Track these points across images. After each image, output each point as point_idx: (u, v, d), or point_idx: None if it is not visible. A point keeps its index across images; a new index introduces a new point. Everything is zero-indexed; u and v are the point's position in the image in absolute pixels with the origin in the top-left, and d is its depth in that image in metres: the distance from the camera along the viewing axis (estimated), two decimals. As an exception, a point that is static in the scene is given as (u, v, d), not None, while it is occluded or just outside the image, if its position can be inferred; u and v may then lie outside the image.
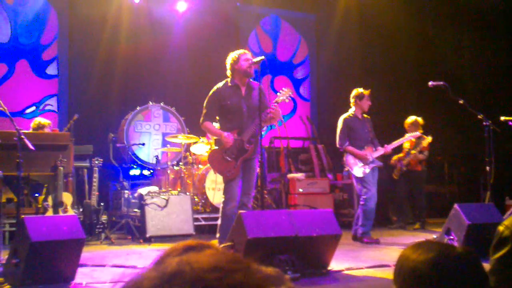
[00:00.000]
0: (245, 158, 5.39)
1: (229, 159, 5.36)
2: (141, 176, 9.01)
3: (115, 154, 8.52)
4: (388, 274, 4.60)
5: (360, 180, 6.77)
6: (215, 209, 7.66)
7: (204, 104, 5.55)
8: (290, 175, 8.86)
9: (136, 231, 7.15)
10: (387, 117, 9.40)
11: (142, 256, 5.87)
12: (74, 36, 9.33)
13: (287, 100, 5.59)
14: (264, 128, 5.62)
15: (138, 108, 8.99)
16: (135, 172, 8.96)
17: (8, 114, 4.91)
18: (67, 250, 4.38)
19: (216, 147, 5.53)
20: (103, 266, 5.18)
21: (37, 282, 4.22)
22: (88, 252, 5.75)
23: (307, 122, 11.16)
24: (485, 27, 9.98)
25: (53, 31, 9.16)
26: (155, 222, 7.06)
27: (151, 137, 9.22)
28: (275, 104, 5.37)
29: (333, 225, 4.86)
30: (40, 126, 6.86)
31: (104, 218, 7.21)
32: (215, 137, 5.63)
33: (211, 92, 5.54)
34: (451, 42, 10.24)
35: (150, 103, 9.10)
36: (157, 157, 8.55)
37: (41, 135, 6.45)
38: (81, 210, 7.05)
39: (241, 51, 5.54)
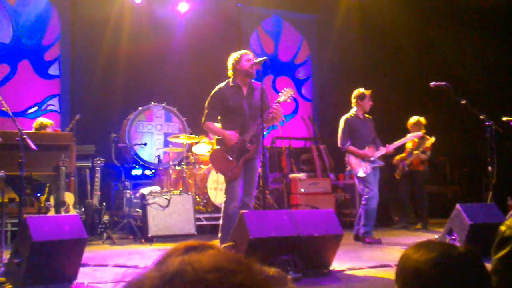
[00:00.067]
0: (247, 158, 5.39)
1: (231, 158, 5.36)
2: (143, 176, 9.01)
3: (117, 154, 8.52)
4: (390, 274, 4.61)
5: (362, 180, 6.77)
6: (216, 209, 7.66)
7: (206, 104, 5.55)
8: (292, 175, 8.86)
9: (138, 231, 7.15)
10: (388, 117, 9.40)
11: (144, 256, 5.87)
12: (76, 37, 9.35)
13: (288, 100, 5.59)
14: (266, 128, 5.61)
15: (140, 108, 9.00)
16: (137, 172, 8.97)
17: (11, 114, 4.91)
18: (69, 249, 4.38)
19: (218, 147, 5.53)
20: (105, 266, 5.19)
21: (39, 282, 4.22)
22: (90, 252, 5.76)
23: (308, 122, 11.16)
24: (487, 27, 9.97)
25: (55, 32, 9.17)
26: (157, 222, 7.06)
27: (153, 137, 9.22)
28: (277, 104, 5.37)
29: (335, 225, 4.86)
30: (42, 126, 6.87)
31: (106, 218, 7.21)
32: (217, 137, 5.64)
33: (212, 92, 5.54)
34: (452, 42, 10.23)
35: (152, 103, 9.10)
36: (159, 157, 8.56)
37: (43, 135, 6.46)
38: (83, 210, 7.07)
39: (242, 51, 5.54)
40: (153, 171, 8.98)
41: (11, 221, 6.60)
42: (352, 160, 6.83)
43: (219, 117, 5.60)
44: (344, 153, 6.98)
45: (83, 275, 4.57)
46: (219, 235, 5.38)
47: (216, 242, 5.26)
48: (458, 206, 5.55)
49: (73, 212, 6.38)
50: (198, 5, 9.95)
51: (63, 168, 6.01)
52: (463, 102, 6.45)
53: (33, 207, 6.86)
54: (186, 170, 8.02)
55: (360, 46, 10.98)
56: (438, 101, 9.28)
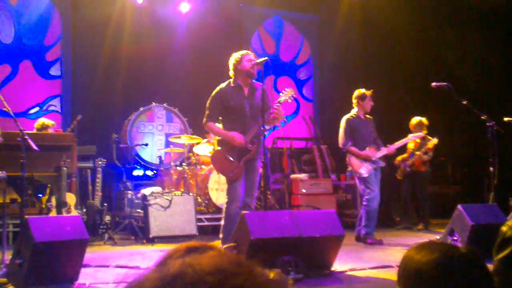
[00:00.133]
0: (248, 159, 5.38)
1: (232, 159, 5.36)
2: (144, 176, 9.02)
3: (119, 154, 8.52)
4: (391, 274, 4.60)
5: (363, 180, 6.77)
6: (218, 209, 7.66)
7: (207, 105, 5.54)
8: (293, 176, 8.86)
9: (139, 232, 7.16)
10: (389, 117, 9.41)
11: (145, 257, 5.87)
12: (77, 37, 9.36)
13: (289, 100, 5.59)
14: (268, 129, 5.60)
15: (141, 108, 9.01)
16: (138, 172, 8.97)
17: (12, 114, 4.92)
18: (70, 250, 4.38)
19: (219, 148, 5.52)
20: (107, 266, 5.19)
21: (41, 283, 4.22)
22: (92, 253, 5.75)
23: (310, 122, 11.16)
24: (487, 27, 9.97)
25: (56, 32, 9.18)
26: (158, 222, 7.06)
27: (154, 137, 9.23)
28: (278, 104, 5.37)
29: (336, 226, 4.85)
30: (44, 127, 6.87)
31: (107, 218, 7.22)
32: (218, 138, 5.62)
33: (213, 93, 5.54)
34: (453, 42, 10.22)
35: (153, 103, 9.11)
36: (160, 157, 8.56)
37: (44, 135, 6.47)
38: (84, 210, 7.07)
39: (244, 51, 5.54)
40: (155, 171, 8.98)
41: (12, 221, 6.61)
42: (353, 160, 6.83)
43: (220, 118, 5.60)
44: (345, 153, 6.97)
45: (85, 275, 4.57)
46: (221, 235, 5.38)
47: (218, 243, 5.26)
48: (459, 206, 5.54)
49: (74, 212, 6.39)
50: (199, 5, 9.95)
51: (65, 168, 6.02)
52: (464, 102, 6.45)
53: (35, 208, 6.86)
54: (188, 171, 8.02)
55: (361, 46, 10.98)
56: (439, 101, 9.28)
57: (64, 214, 6.19)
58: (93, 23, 9.17)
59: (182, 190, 7.80)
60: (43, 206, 6.59)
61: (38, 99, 8.95)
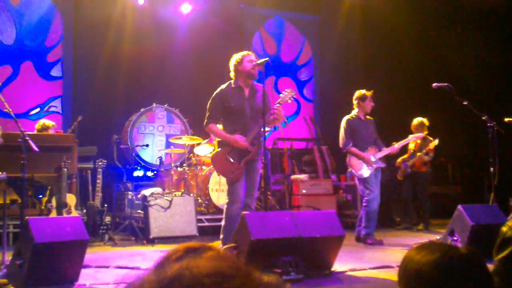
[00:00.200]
0: (248, 160, 5.38)
1: (232, 160, 5.36)
2: (145, 177, 9.02)
3: (119, 155, 8.53)
4: (391, 275, 4.60)
5: (363, 181, 6.77)
6: (218, 210, 7.67)
7: (208, 106, 5.54)
8: (293, 176, 8.86)
9: (139, 232, 7.16)
10: (390, 118, 9.40)
11: (146, 257, 5.87)
12: (78, 38, 9.36)
13: (289, 101, 5.58)
14: (268, 130, 5.60)
15: (142, 109, 9.01)
16: (138, 173, 8.98)
17: (13, 115, 4.92)
18: (70, 251, 4.38)
19: (219, 149, 5.52)
20: (107, 267, 5.19)
21: (41, 283, 4.23)
22: (92, 253, 5.75)
23: (310, 123, 11.16)
24: (488, 28, 9.98)
25: (57, 33, 9.19)
26: (158, 223, 7.06)
27: (155, 138, 9.23)
28: (278, 105, 5.37)
29: (337, 226, 4.85)
30: (45, 128, 6.88)
31: (107, 219, 7.22)
32: (218, 139, 5.61)
33: (214, 94, 5.54)
34: (454, 43, 10.23)
35: (154, 104, 9.11)
36: (160, 158, 8.56)
37: (45, 136, 6.47)
38: (84, 211, 7.07)
39: (244, 52, 5.54)
40: (155, 172, 8.99)
41: (13, 222, 6.61)
42: (353, 161, 6.82)
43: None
44: (346, 154, 6.97)
45: (85, 276, 4.57)
46: (221, 236, 5.38)
47: (218, 244, 5.26)
48: (460, 207, 5.54)
49: (74, 213, 6.39)
50: (200, 6, 9.95)
51: (65, 169, 6.02)
52: (465, 103, 6.44)
53: (35, 209, 6.86)
54: (188, 172, 8.02)
55: (362, 47, 10.99)
56: (439, 101, 9.28)
57: (65, 215, 6.19)
58: (94, 24, 9.17)
59: (183, 190, 7.81)
60: (44, 207, 6.59)
61: (39, 100, 8.96)
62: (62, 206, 6.30)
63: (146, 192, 7.45)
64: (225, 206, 5.42)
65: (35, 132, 6.81)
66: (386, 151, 6.90)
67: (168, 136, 9.07)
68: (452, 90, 6.44)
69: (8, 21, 8.81)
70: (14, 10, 8.87)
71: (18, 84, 8.78)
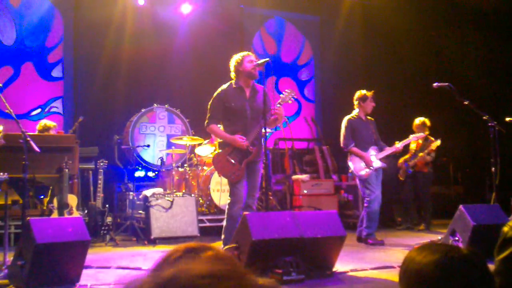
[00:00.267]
0: (249, 161, 5.38)
1: (234, 162, 5.35)
2: (146, 177, 9.03)
3: (120, 156, 8.53)
4: (392, 275, 4.60)
5: (364, 181, 6.76)
6: (219, 210, 7.67)
7: (208, 107, 5.54)
8: (294, 177, 8.85)
9: (141, 233, 7.16)
10: (390, 118, 9.40)
11: (147, 258, 5.88)
12: (79, 39, 9.37)
13: (290, 102, 5.58)
14: (269, 131, 5.59)
15: (143, 110, 9.02)
16: (140, 173, 8.98)
17: (14, 116, 4.92)
18: (72, 252, 4.39)
19: (220, 151, 5.52)
20: (108, 268, 5.19)
21: (42, 284, 4.23)
22: (93, 254, 5.76)
23: (311, 123, 11.16)
24: (489, 28, 9.97)
25: (58, 34, 9.20)
26: (160, 223, 7.07)
27: (156, 138, 9.23)
28: (278, 105, 5.36)
29: (338, 227, 4.85)
30: (46, 128, 6.88)
31: (109, 219, 7.22)
32: (219, 140, 5.61)
33: (215, 94, 5.53)
34: (455, 43, 10.22)
35: (155, 105, 9.11)
36: (162, 158, 8.56)
37: (46, 137, 6.48)
38: (86, 211, 7.07)
39: (244, 53, 5.53)
40: (156, 172, 8.99)
41: (14, 223, 6.61)
42: (354, 161, 6.82)
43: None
44: (347, 154, 6.97)
45: (86, 277, 4.57)
46: (222, 236, 5.38)
47: (219, 244, 5.26)
48: (461, 207, 5.53)
49: (76, 214, 6.39)
50: (200, 6, 9.96)
51: (66, 170, 6.02)
52: (466, 102, 6.43)
53: (36, 209, 6.87)
54: (189, 172, 8.02)
55: (362, 47, 10.99)
56: (440, 101, 9.27)
57: (66, 216, 6.20)
58: (94, 25, 9.18)
59: (184, 191, 7.81)
60: (45, 207, 6.61)
61: (40, 100, 8.97)
62: (63, 206, 6.31)
63: (148, 192, 7.46)
64: (227, 206, 5.42)
65: (36, 132, 6.82)
66: (388, 150, 6.89)
67: (169, 137, 9.08)
68: (453, 90, 6.43)
69: (8, 21, 8.82)
70: (15, 11, 8.88)
71: (19, 85, 8.79)
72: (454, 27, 10.34)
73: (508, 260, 1.59)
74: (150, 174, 9.09)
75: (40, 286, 4.22)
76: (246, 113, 5.42)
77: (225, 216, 5.41)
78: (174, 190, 7.63)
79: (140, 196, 7.65)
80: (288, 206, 8.68)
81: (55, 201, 6.36)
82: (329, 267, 4.79)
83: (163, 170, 8.62)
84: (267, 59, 5.36)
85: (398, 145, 6.94)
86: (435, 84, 6.59)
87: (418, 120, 8.34)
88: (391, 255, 5.84)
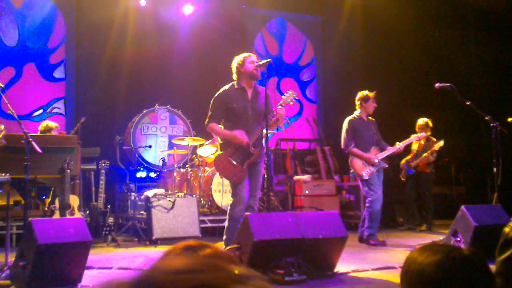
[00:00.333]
0: (251, 162, 5.38)
1: (235, 163, 5.35)
2: (148, 178, 9.03)
3: (122, 156, 8.54)
4: (394, 276, 4.59)
5: (366, 182, 6.76)
6: (221, 211, 7.67)
7: (210, 106, 5.53)
8: (296, 177, 8.85)
9: (142, 233, 7.16)
10: (392, 118, 9.39)
11: (148, 259, 5.88)
12: (81, 40, 9.38)
13: (291, 103, 5.57)
14: (270, 132, 5.59)
15: (144, 110, 9.02)
16: (141, 174, 8.99)
17: (16, 117, 4.93)
18: (73, 252, 4.39)
19: (222, 152, 5.52)
20: (110, 268, 5.19)
21: (44, 285, 4.23)
22: (95, 255, 5.77)
23: (313, 124, 11.16)
24: (490, 28, 9.96)
25: (60, 35, 9.21)
26: (161, 224, 7.07)
27: (158, 139, 9.24)
28: (280, 106, 5.36)
29: (339, 227, 4.85)
30: (48, 129, 6.89)
31: (110, 220, 7.23)
32: (220, 141, 5.60)
33: (217, 94, 5.53)
34: (457, 43, 10.22)
35: (157, 105, 9.12)
36: (163, 159, 8.56)
37: (48, 138, 6.48)
38: (88, 212, 7.08)
39: (246, 54, 5.52)
40: (158, 173, 9.00)
41: (16, 224, 6.62)
42: (355, 162, 6.81)
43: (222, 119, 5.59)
44: (348, 154, 6.96)
45: (88, 277, 4.57)
46: (224, 237, 5.38)
47: (221, 245, 5.26)
48: (463, 207, 5.53)
49: (78, 214, 6.40)
50: (202, 7, 9.96)
51: (68, 170, 6.02)
52: (468, 103, 6.43)
53: (38, 210, 6.88)
54: (191, 172, 8.02)
55: (364, 48, 10.99)
56: (442, 102, 9.26)
57: (68, 216, 6.20)
58: (96, 26, 9.20)
59: (185, 191, 7.81)
60: (47, 208, 6.61)
61: (42, 101, 8.98)
62: (65, 207, 6.32)
63: (149, 193, 7.46)
64: (229, 207, 5.42)
65: (38, 133, 6.82)
66: (390, 150, 6.88)
67: (171, 137, 9.08)
68: (454, 90, 6.43)
69: (10, 22, 8.83)
70: (17, 11, 8.89)
71: (21, 86, 8.80)
72: (455, 27, 10.33)
73: (509, 261, 1.58)
74: (152, 174, 9.09)
75: (42, 287, 4.22)
76: (248, 114, 5.41)
77: (227, 216, 5.40)
78: (176, 191, 7.63)
79: (142, 197, 7.65)
80: (290, 206, 8.68)
81: (57, 201, 6.36)
82: (330, 267, 4.78)
83: (165, 170, 8.62)
84: (269, 59, 5.35)
85: (399, 145, 6.93)
86: (437, 85, 6.59)
87: (421, 121, 8.34)
88: (392, 256, 5.83)
